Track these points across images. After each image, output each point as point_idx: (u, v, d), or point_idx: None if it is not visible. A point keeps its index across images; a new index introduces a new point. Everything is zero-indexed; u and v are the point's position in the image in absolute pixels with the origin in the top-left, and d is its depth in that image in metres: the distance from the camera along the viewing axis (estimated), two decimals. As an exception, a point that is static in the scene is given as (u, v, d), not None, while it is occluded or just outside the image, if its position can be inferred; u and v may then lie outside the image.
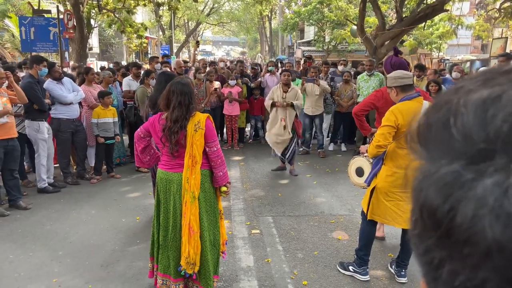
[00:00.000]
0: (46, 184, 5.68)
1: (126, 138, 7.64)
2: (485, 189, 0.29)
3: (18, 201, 5.07)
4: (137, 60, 19.08)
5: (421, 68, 8.05)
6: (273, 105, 6.40)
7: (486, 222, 0.28)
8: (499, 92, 0.32)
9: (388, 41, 11.36)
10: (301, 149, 7.88)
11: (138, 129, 3.18)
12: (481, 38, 21.57)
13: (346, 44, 20.74)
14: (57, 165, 6.20)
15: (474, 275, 0.29)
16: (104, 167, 6.55)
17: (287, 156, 6.45)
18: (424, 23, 12.91)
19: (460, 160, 0.31)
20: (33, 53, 12.12)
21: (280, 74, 7.02)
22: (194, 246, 2.96)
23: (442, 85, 6.61)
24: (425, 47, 19.86)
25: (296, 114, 6.38)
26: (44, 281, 3.46)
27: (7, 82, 4.97)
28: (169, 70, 8.73)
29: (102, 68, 10.11)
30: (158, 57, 10.59)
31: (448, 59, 16.91)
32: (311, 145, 8.10)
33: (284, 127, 6.23)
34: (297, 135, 6.40)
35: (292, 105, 6.27)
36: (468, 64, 15.66)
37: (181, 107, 2.90)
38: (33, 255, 3.92)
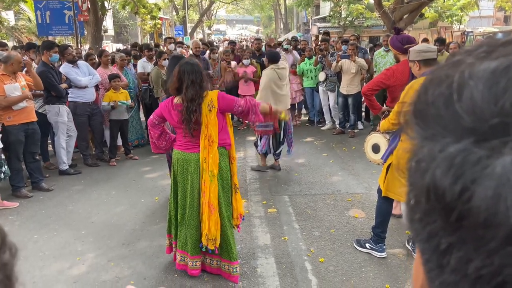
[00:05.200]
0: (67, 166, 5.82)
1: (143, 120, 7.71)
2: (505, 166, 0.27)
3: (41, 183, 5.21)
4: (152, 42, 19.05)
5: (441, 41, 7.82)
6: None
7: (509, 201, 0.26)
8: (507, 62, 0.29)
9: (407, 15, 11.03)
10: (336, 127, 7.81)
11: (151, 117, 3.21)
12: (504, 9, 20.75)
13: (363, 19, 20.22)
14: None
15: (491, 261, 0.27)
16: (122, 149, 6.65)
17: (277, 152, 5.70)
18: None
19: (469, 138, 0.29)
20: (49, 37, 12.24)
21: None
22: (215, 223, 3.03)
23: None
24: (446, 20, 19.22)
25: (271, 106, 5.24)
26: (68, 260, 3.58)
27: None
28: (184, 51, 8.72)
29: (118, 51, 10.12)
30: (171, 38, 10.56)
31: (471, 32, 16.29)
32: (346, 125, 7.77)
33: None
34: (274, 127, 5.10)
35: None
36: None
37: (194, 85, 2.92)
38: (57, 234, 4.06)
